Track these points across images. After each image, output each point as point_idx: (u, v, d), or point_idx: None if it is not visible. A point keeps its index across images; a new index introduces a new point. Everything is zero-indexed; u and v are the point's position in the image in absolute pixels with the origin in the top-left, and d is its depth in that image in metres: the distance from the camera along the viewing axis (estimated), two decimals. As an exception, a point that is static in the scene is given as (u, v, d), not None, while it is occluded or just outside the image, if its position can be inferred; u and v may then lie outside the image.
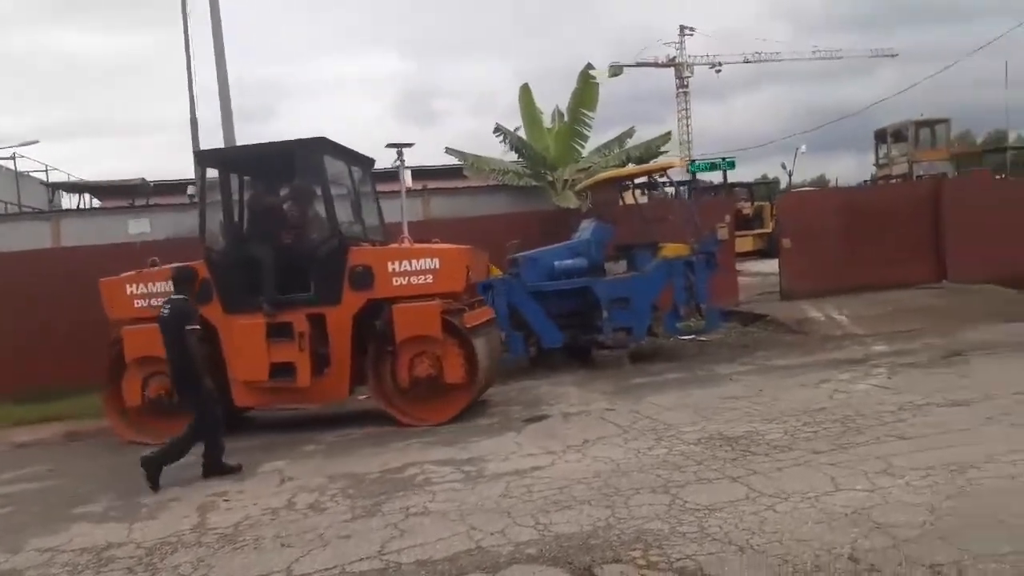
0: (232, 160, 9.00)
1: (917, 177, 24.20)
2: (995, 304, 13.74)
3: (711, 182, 28.65)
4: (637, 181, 13.86)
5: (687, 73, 78.29)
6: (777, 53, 78.11)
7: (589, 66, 14.85)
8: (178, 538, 5.35)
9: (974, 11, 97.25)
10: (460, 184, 17.52)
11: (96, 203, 21.72)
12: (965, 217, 15.85)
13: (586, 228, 12.00)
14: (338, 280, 8.31)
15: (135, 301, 8.61)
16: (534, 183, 15.15)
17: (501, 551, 4.54)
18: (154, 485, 6.63)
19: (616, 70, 76.86)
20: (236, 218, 8.91)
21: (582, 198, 14.70)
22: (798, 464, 5.69)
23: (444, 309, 8.16)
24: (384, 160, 12.92)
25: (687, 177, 27.34)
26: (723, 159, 28.62)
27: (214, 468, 6.89)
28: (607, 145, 16.18)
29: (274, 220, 8.82)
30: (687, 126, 77.66)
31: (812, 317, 13.81)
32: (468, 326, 8.32)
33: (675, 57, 77.95)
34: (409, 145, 18.69)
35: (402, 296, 8.22)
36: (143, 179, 19.78)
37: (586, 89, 14.81)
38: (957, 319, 12.54)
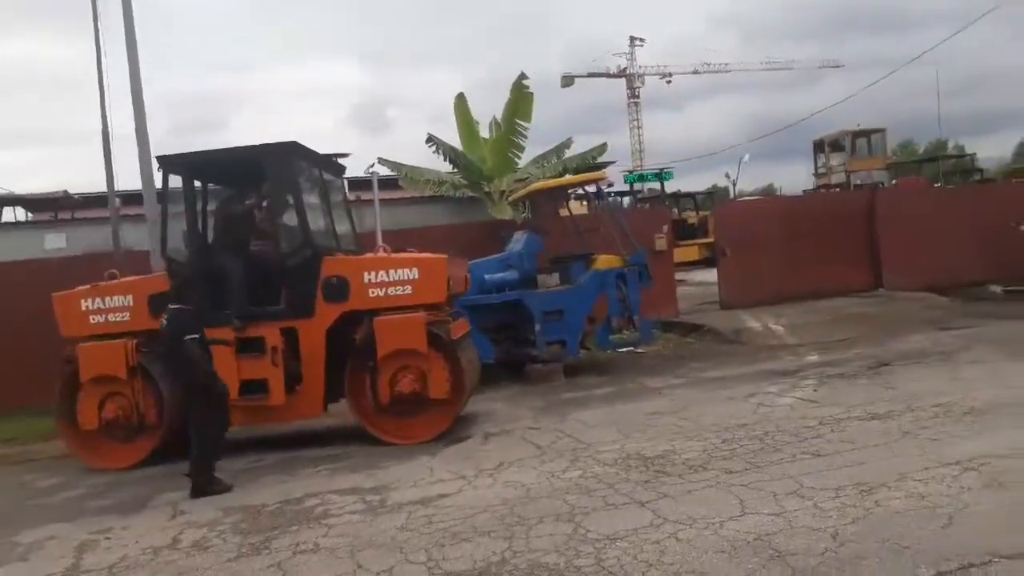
0: (197, 165, 8.41)
1: (855, 186, 24.54)
2: (927, 312, 13.88)
3: (655, 192, 28.73)
4: (577, 192, 13.71)
5: (638, 83, 79.08)
6: (726, 64, 79.49)
7: (522, 76, 14.64)
8: (45, 584, 4.93)
9: (917, 21, 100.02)
10: (397, 195, 17.16)
11: (21, 216, 20.88)
12: (899, 225, 16.08)
13: (518, 240, 11.77)
14: (311, 292, 7.89)
15: (90, 317, 8.09)
16: (471, 194, 14.89)
17: (383, 593, 4.24)
18: (225, 488, 6.60)
19: (568, 81, 78.10)
20: (201, 227, 8.42)
21: (517, 209, 14.48)
22: (709, 486, 5.48)
23: (429, 321, 7.77)
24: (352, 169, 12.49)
25: (624, 188, 27.43)
26: (661, 170, 28.73)
27: (199, 490, 6.59)
28: (544, 156, 15.99)
29: (242, 229, 8.38)
30: (638, 136, 78.49)
31: (749, 327, 13.79)
32: (454, 338, 7.97)
33: (626, 68, 78.73)
34: (345, 155, 18.40)
35: (379, 308, 7.82)
36: (66, 192, 19.01)
37: (520, 99, 14.60)
38: (890, 327, 12.61)
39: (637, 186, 28.71)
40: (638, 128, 78.96)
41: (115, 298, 8.08)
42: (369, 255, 8.45)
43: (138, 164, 11.17)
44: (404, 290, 7.87)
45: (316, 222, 8.58)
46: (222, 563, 4.97)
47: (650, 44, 79.43)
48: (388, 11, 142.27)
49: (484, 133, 15.29)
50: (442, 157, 14.90)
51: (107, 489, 7.25)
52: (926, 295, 15.42)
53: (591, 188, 12.40)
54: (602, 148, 16.15)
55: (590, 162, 15.88)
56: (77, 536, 5.84)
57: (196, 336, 6.67)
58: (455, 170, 15.32)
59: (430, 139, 14.87)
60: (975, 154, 30.79)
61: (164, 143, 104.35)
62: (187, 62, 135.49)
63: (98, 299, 8.10)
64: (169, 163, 8.34)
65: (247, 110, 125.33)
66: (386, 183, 18.44)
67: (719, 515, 4.85)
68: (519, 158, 15.21)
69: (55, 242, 14.39)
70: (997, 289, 15.95)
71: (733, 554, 4.24)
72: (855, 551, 4.13)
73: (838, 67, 71.55)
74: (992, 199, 17.70)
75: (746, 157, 34.24)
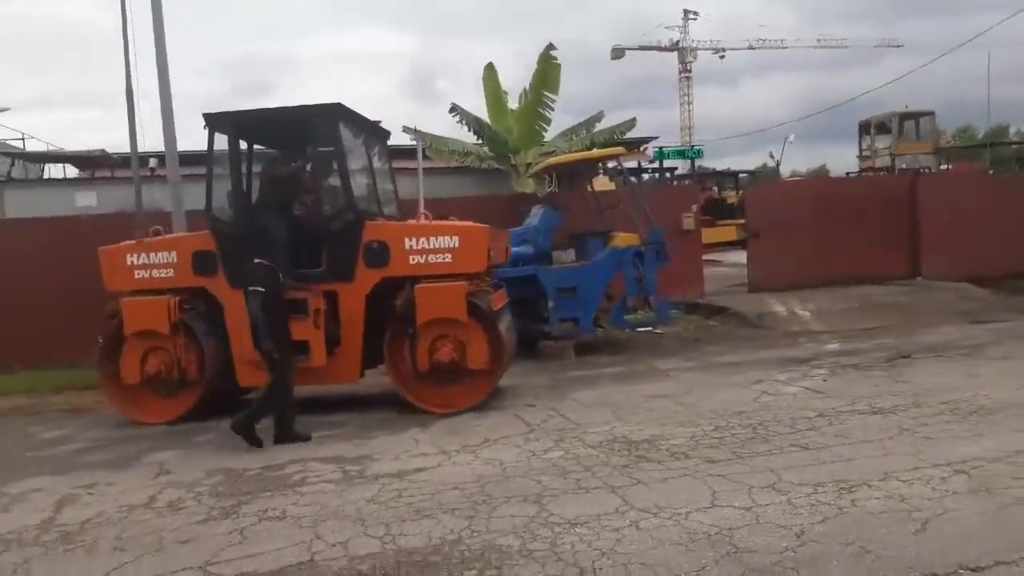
0: (243, 125, 8.31)
1: (900, 171, 23.66)
2: (963, 303, 13.38)
3: (705, 169, 28.04)
4: (607, 167, 13.46)
5: (690, 58, 77.44)
6: (781, 40, 77.28)
7: (550, 46, 14.31)
8: (19, 535, 5.03)
9: (980, 4, 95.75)
10: (424, 165, 17.03)
11: (57, 174, 21.33)
12: (941, 212, 15.45)
13: (535, 214, 11.61)
14: (352, 256, 7.85)
15: (135, 272, 8.13)
16: (497, 166, 14.71)
17: (332, 566, 4.21)
18: (256, 442, 6.76)
19: (618, 53, 76.83)
20: (246, 188, 8.35)
21: (541, 183, 14.27)
22: (687, 475, 5.34)
23: (469, 290, 7.71)
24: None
25: (656, 165, 26.90)
26: (691, 147, 28.11)
27: (280, 434, 6.83)
28: (574, 129, 15.70)
29: (287, 191, 8.30)
30: (689, 111, 77.06)
31: (774, 311, 13.46)
32: (494, 309, 7.94)
33: (678, 41, 77.09)
34: (378, 122, 18.39)
35: (419, 275, 7.78)
36: (103, 150, 19.31)
37: (548, 71, 14.30)
38: (921, 318, 12.20)
39: (669, 163, 28.12)
40: (689, 103, 77.51)
41: (160, 254, 8.12)
42: (411, 221, 8.38)
43: (161, 125, 11.19)
44: (444, 258, 7.81)
45: (359, 186, 8.48)
46: (189, 525, 5.00)
47: (704, 18, 77.02)
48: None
49: (515, 104, 15.05)
50: (466, 127, 14.76)
51: (107, 444, 7.40)
52: (965, 286, 14.85)
53: (613, 163, 12.13)
54: (631, 123, 15.78)
55: (618, 137, 15.54)
56: (62, 490, 5.95)
57: (261, 289, 6.76)
58: (480, 141, 15.17)
59: (454, 108, 14.71)
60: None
61: (218, 106, 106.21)
62: (241, 26, 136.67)
63: (143, 255, 8.15)
64: (215, 121, 8.21)
65: (301, 75, 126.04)
66: (410, 152, 18.40)
67: (687, 506, 4.71)
68: (546, 130, 14.96)
69: (86, 200, 14.65)
70: (1042, 282, 15.26)
71: (689, 547, 4.11)
72: (815, 552, 3.96)
73: (897, 47, 68.87)
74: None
75: (791, 137, 33.22)
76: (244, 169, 8.46)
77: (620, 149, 12.10)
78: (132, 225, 11.48)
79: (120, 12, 11.35)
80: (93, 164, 20.18)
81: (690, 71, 77.84)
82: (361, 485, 5.61)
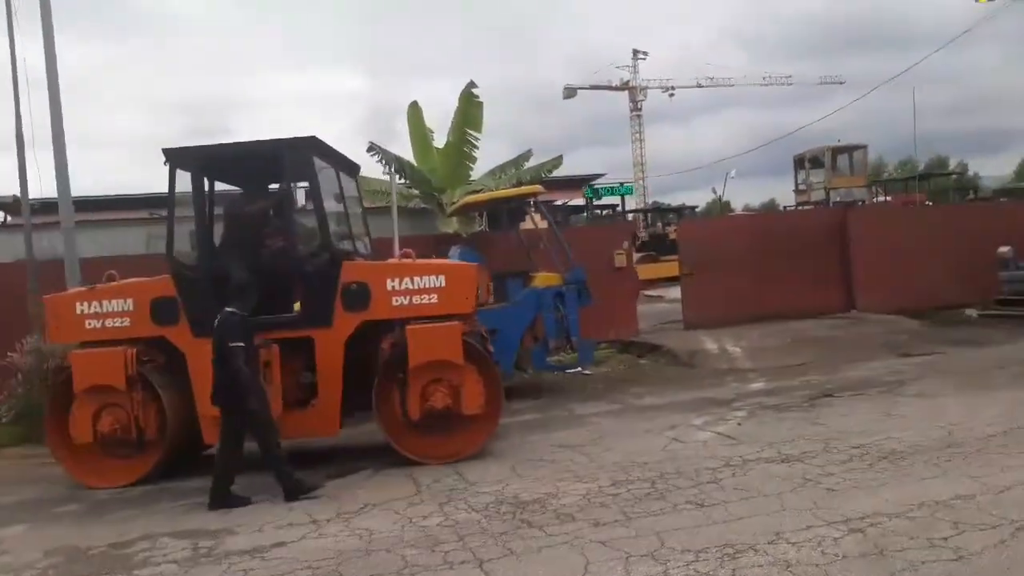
0: (208, 161, 7.66)
1: (834, 204, 23.82)
2: (894, 337, 13.22)
3: (615, 208, 27.93)
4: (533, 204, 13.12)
5: (640, 97, 78.65)
6: (729, 79, 78.86)
7: (471, 84, 14.09)
8: None
9: (924, 40, 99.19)
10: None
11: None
12: (873, 245, 15.40)
13: (453, 255, 11.17)
14: (329, 299, 7.26)
15: (86, 321, 7.42)
16: (423, 205, 14.32)
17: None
18: (239, 503, 6.33)
19: (570, 92, 77.77)
20: (209, 228, 7.67)
21: (465, 222, 13.92)
22: (566, 542, 4.86)
23: (464, 331, 7.20)
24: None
25: (582, 202, 26.79)
26: (621, 184, 28.12)
27: (291, 493, 6.35)
28: (502, 167, 15.42)
29: (252, 230, 7.72)
30: (641, 149, 78.06)
31: (706, 349, 13.16)
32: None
33: (628, 81, 78.30)
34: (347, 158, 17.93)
35: (403, 318, 7.24)
36: (15, 196, 18.49)
37: (470, 109, 14.03)
38: (850, 352, 11.98)
39: (608, 200, 28.06)
40: (640, 141, 78.56)
41: (114, 302, 7.42)
42: (392, 260, 7.84)
43: (53, 168, 10.60)
44: (430, 299, 7.31)
45: (334, 224, 8.01)
46: (-7, 623, 4.38)
47: (653, 58, 78.36)
48: (389, 21, 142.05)
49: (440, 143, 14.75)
50: (384, 166, 14.33)
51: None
52: (897, 318, 14.75)
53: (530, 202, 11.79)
54: (557, 161, 15.56)
55: (544, 175, 15.29)
56: None
57: (241, 344, 6.25)
58: (403, 180, 14.79)
59: (372, 148, 14.29)
60: (966, 172, 29.99)
61: (178, 143, 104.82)
62: (194, 67, 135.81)
63: (95, 303, 7.44)
64: (178, 157, 7.54)
65: (254, 115, 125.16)
66: None
67: (554, 582, 4.22)
68: (471, 169, 14.66)
69: (-15, 249, 13.90)
70: (973, 313, 15.27)
71: (541, 636, 3.62)
72: (677, 638, 3.50)
73: (839, 83, 70.43)
74: (973, 218, 17.02)
75: (733, 172, 33.66)
76: (208, 208, 7.78)
77: (536, 187, 11.78)
78: (16, 273, 11.02)
79: (8, 46, 10.69)
80: (7, 210, 19.37)
81: (640, 109, 78.99)
82: (207, 565, 5.03)
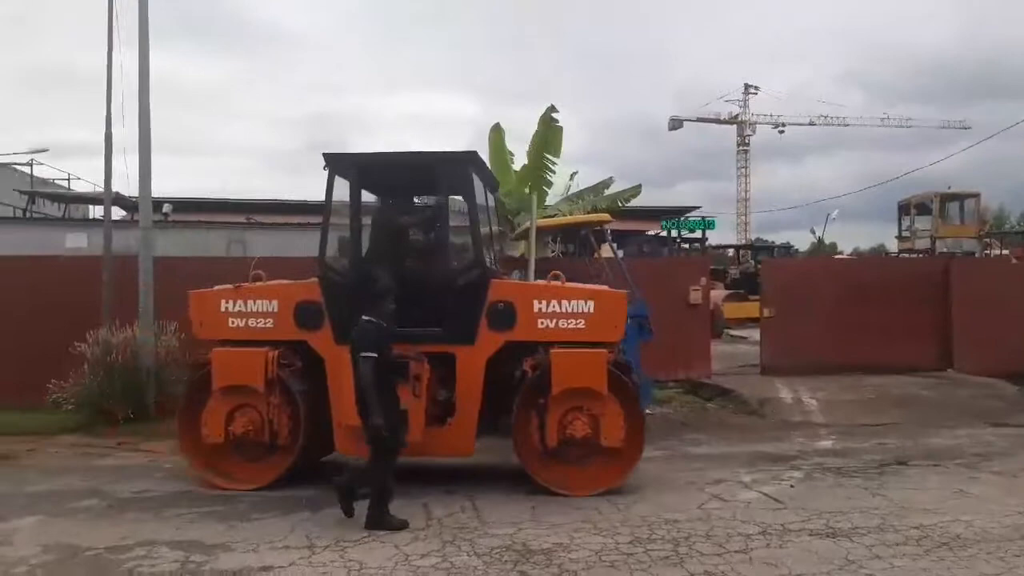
0: (366, 168, 7.63)
1: (940, 254, 22.20)
2: (989, 402, 12.07)
3: (702, 242, 26.88)
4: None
5: (748, 131, 76.98)
6: (844, 118, 76.07)
7: (552, 108, 13.77)
8: None
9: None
10: None
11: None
12: (977, 300, 14.17)
13: (513, 278, 10.86)
14: (474, 316, 7.13)
15: (230, 320, 7.40)
16: (501, 228, 14.11)
17: None
18: (348, 510, 6.09)
19: (676, 123, 76.77)
20: (361, 235, 7.64)
21: (538, 247, 13.61)
22: (558, 603, 4.43)
23: (610, 360, 7.01)
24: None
25: (662, 234, 25.95)
26: (703, 219, 27.07)
27: (375, 522, 5.95)
28: (579, 193, 15.07)
29: (402, 241, 7.74)
30: (746, 184, 76.27)
31: (779, 398, 12.34)
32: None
33: (738, 115, 76.66)
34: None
35: (546, 341, 7.08)
36: (117, 192, 19.39)
37: (549, 133, 13.71)
38: (938, 416, 11.00)
39: (691, 233, 27.15)
40: (746, 176, 76.84)
41: (259, 302, 7.38)
42: (541, 282, 7.69)
43: (138, 171, 10.97)
44: (577, 324, 7.12)
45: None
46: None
47: (765, 93, 76.48)
48: (501, 50, 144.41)
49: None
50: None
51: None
52: (997, 382, 13.47)
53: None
54: (636, 190, 15.04)
55: (621, 203, 14.82)
56: None
57: (373, 355, 6.03)
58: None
59: None
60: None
61: (294, 160, 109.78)
62: (311, 85, 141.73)
63: (240, 302, 7.42)
64: (337, 163, 7.54)
65: (370, 134, 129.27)
66: None
67: (528, 649, 3.81)
68: (547, 193, 14.36)
69: (76, 241, 14.54)
70: (1083, 383, 13.78)
71: None
72: None
73: (964, 128, 66.76)
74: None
75: (835, 213, 32.19)
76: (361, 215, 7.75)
77: (604, 215, 11.38)
78: (98, 266, 11.41)
79: (107, 54, 11.18)
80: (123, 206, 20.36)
81: (748, 144, 77.33)
82: (188, 582, 4.85)
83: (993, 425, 10.40)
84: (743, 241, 60.33)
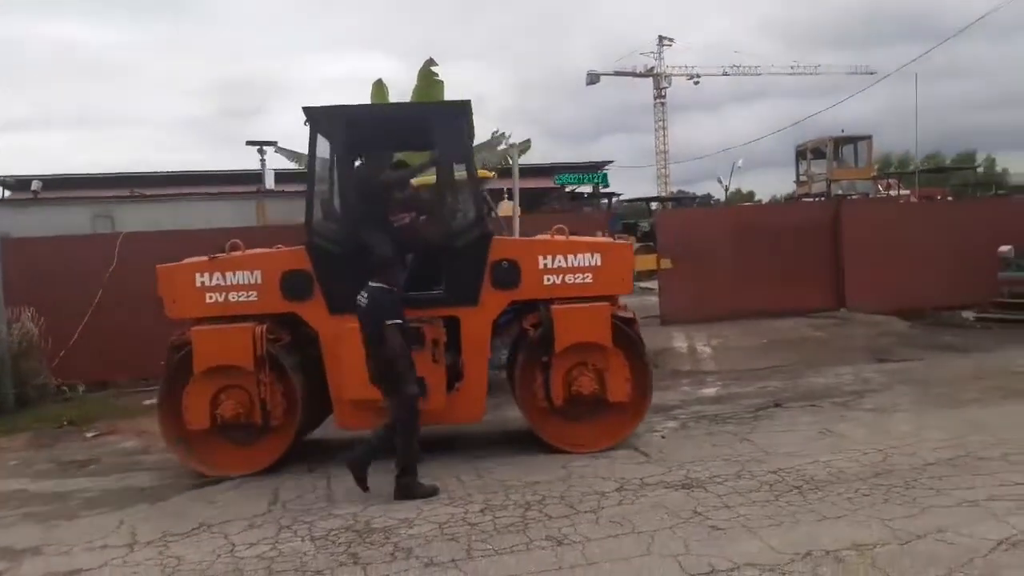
0: (353, 123, 6.98)
1: (835, 196, 22.63)
2: (878, 339, 12.31)
3: (612, 196, 27.00)
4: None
5: (664, 84, 77.25)
6: (756, 67, 77.13)
7: (430, 61, 13.24)
8: None
9: (955, 29, 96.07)
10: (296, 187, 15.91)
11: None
12: (867, 241, 14.38)
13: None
14: (477, 276, 6.76)
15: (207, 295, 6.74)
16: (383, 190, 13.53)
17: None
18: (364, 485, 5.79)
19: (593, 78, 76.60)
20: (348, 195, 7.05)
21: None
22: (379, 586, 4.13)
23: (614, 313, 6.75)
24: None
25: (556, 188, 25.79)
26: (595, 172, 27.01)
27: (406, 491, 5.69)
28: (474, 149, 14.59)
29: (402, 200, 7.25)
30: (664, 137, 76.77)
31: (674, 347, 12.35)
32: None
33: (653, 68, 76.88)
34: (273, 143, 17.29)
35: (553, 298, 6.77)
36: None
37: (429, 87, 13.22)
38: (825, 356, 11.09)
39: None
40: (663, 129, 77.29)
41: (239, 274, 6.74)
42: (543, 237, 7.24)
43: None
44: (584, 278, 6.82)
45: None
46: None
47: (680, 45, 76.81)
48: (414, 9, 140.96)
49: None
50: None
51: None
52: (887, 319, 13.79)
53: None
54: (525, 145, 14.64)
55: (509, 160, 14.45)
56: None
57: (399, 321, 5.74)
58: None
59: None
60: (991, 167, 28.49)
61: (212, 125, 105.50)
62: (230, 49, 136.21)
63: (217, 274, 6.76)
64: (320, 118, 6.92)
65: (289, 98, 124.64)
66: (285, 176, 17.39)
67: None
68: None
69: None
70: (969, 316, 14.21)
71: None
72: None
73: (870, 74, 68.28)
74: (979, 215, 15.90)
75: (740, 162, 32.54)
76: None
77: (484, 173, 10.98)
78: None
79: None
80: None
81: (664, 97, 77.65)
82: (-24, 597, 4.38)
83: (877, 361, 10.53)
84: (664, 193, 60.87)
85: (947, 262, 14.41)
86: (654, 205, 26.64)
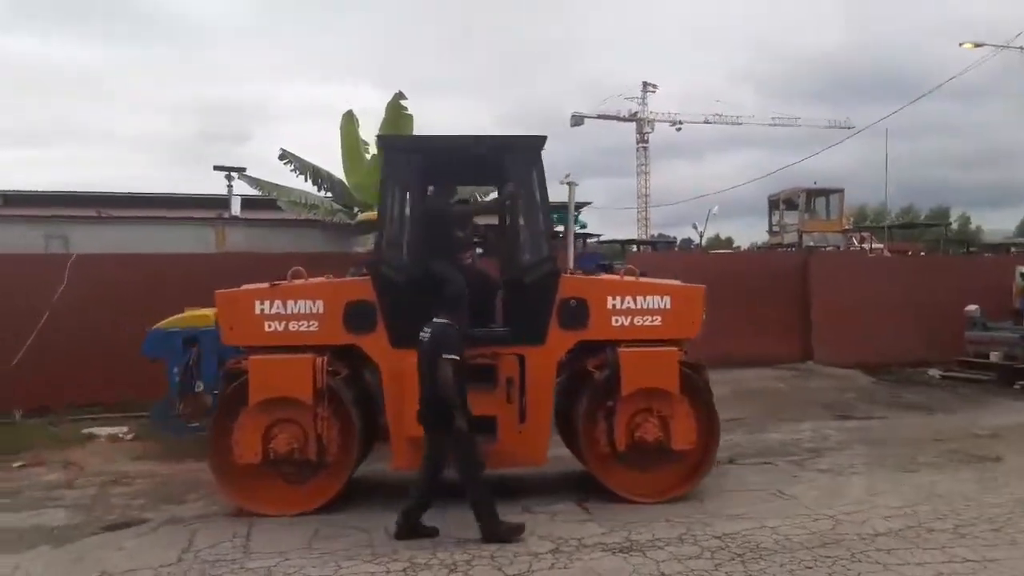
0: (427, 153, 6.96)
1: (806, 248, 22.76)
2: (841, 394, 12.16)
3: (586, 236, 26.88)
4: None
5: (647, 129, 78.09)
6: (738, 117, 78.18)
7: (399, 95, 13.12)
8: None
9: (941, 92, 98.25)
10: (269, 215, 15.62)
11: None
12: (835, 293, 14.35)
13: (352, 274, 10.13)
14: (544, 314, 6.56)
15: (266, 323, 6.51)
16: (349, 221, 13.35)
17: None
18: (428, 532, 5.64)
19: (577, 120, 77.31)
20: (421, 228, 6.83)
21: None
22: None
23: (681, 359, 6.60)
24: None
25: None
26: (561, 214, 26.93)
27: (492, 535, 5.52)
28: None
29: (454, 233, 7.10)
30: (646, 181, 77.41)
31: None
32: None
33: (637, 112, 77.74)
34: (241, 170, 17.05)
35: (621, 340, 6.58)
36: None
37: (397, 120, 13.09)
38: (788, 409, 10.92)
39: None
40: (645, 173, 77.96)
41: (301, 303, 6.51)
42: (612, 277, 7.14)
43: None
44: (653, 320, 6.70)
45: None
46: None
47: (664, 91, 78.00)
48: (405, 43, 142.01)
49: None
50: (303, 177, 13.40)
51: None
52: (853, 373, 13.70)
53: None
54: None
55: (478, 197, 14.25)
56: None
57: (456, 357, 5.57)
58: (323, 192, 13.83)
59: (284, 155, 13.33)
60: (966, 224, 28.82)
61: (193, 148, 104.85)
62: (213, 72, 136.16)
63: (278, 302, 6.52)
64: (393, 148, 6.89)
65: (271, 123, 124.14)
66: (252, 202, 17.12)
67: None
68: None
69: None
70: (935, 374, 14.13)
71: None
72: None
73: (848, 128, 69.48)
74: (948, 272, 15.95)
75: (715, 208, 32.79)
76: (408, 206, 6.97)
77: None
78: None
79: None
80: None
81: (647, 141, 78.44)
82: None
83: (840, 417, 10.34)
84: (644, 236, 61.09)
85: (914, 318, 14.39)
86: (634, 248, 26.69)
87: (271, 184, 13.50)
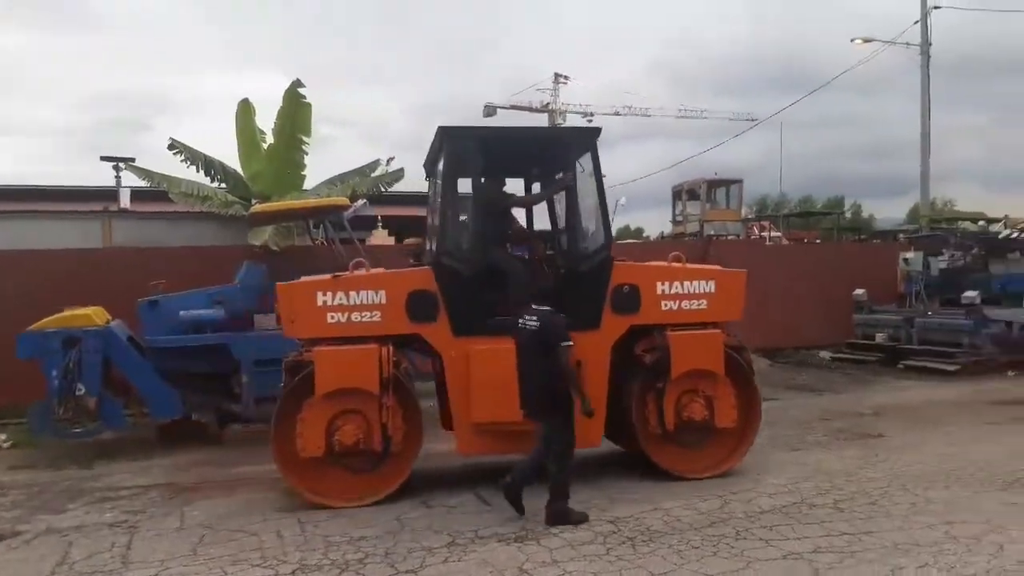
0: (485, 144, 7.00)
1: (707, 237, 23.49)
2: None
3: None
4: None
5: (559, 120, 78.65)
6: (647, 109, 79.61)
7: (297, 83, 12.76)
8: None
9: (835, 83, 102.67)
10: (156, 207, 14.98)
11: None
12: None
13: (240, 271, 9.84)
14: (598, 300, 6.78)
15: (328, 314, 6.42)
16: (244, 213, 12.89)
17: None
18: (520, 509, 5.78)
19: (490, 110, 77.21)
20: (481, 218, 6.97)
21: (283, 233, 12.58)
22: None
23: (726, 341, 6.89)
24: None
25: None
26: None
27: (559, 516, 5.57)
28: (344, 176, 14.15)
29: (508, 221, 7.37)
30: (560, 172, 78.08)
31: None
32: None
33: (548, 103, 78.23)
34: (130, 160, 16.28)
35: (669, 323, 6.84)
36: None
37: (297, 110, 12.74)
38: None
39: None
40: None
41: (364, 293, 6.47)
42: (661, 263, 7.23)
43: None
44: (699, 304, 6.99)
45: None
46: None
47: (577, 83, 78.62)
48: (321, 32, 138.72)
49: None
50: (195, 167, 12.89)
51: None
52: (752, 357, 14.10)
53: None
54: (398, 174, 14.29)
55: (383, 187, 14.09)
56: None
57: (570, 344, 5.72)
58: (217, 184, 13.34)
59: (173, 145, 12.80)
60: (857, 212, 30.20)
61: (95, 140, 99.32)
62: (118, 60, 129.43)
63: (341, 294, 6.45)
64: (454, 137, 6.90)
65: (178, 114, 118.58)
66: (144, 195, 16.43)
67: None
68: (303, 176, 13.36)
69: None
70: (826, 356, 14.79)
71: None
72: None
73: (751, 120, 71.90)
74: (840, 258, 16.71)
75: (622, 200, 33.28)
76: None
77: (341, 200, 10.57)
78: None
79: None
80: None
81: (560, 133, 78.96)
82: None
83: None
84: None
85: (809, 303, 14.99)
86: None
87: (161, 175, 12.91)
